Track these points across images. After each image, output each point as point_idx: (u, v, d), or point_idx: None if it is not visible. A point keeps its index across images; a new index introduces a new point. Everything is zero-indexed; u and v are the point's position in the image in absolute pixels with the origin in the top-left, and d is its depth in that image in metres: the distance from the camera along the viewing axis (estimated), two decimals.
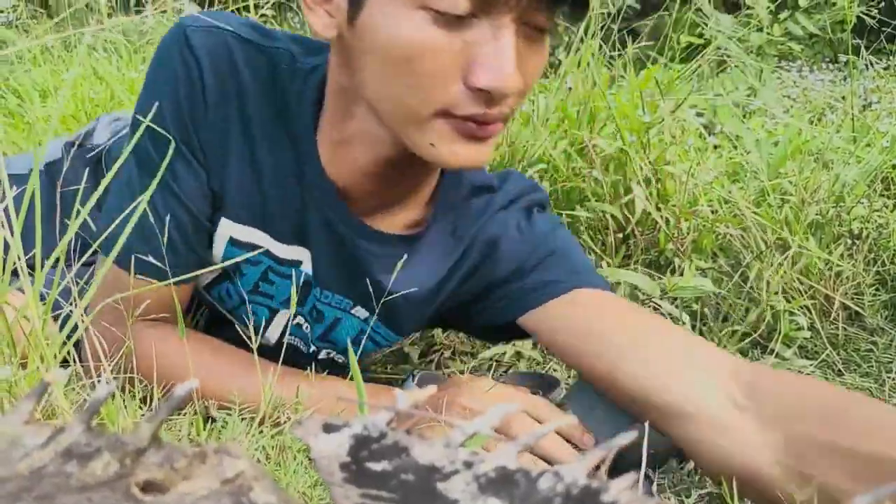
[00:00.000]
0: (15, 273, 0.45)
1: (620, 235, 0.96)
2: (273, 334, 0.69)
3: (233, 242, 0.63)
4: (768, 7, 1.47)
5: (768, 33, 1.67)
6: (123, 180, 0.60)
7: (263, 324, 0.68)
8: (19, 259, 0.44)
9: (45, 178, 0.82)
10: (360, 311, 0.67)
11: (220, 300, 0.68)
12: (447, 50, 0.48)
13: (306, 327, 0.69)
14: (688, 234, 0.95)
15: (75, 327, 0.47)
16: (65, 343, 0.47)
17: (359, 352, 0.59)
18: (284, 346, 0.63)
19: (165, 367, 0.57)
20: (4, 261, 0.46)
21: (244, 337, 0.58)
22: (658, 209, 0.95)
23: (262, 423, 0.53)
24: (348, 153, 0.59)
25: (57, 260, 0.45)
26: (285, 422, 0.56)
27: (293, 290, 0.60)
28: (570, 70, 1.08)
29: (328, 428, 0.18)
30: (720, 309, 0.89)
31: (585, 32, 1.13)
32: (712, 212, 1.01)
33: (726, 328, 0.83)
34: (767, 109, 1.74)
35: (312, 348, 0.70)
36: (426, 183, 0.64)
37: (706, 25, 1.50)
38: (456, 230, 0.66)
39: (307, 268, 0.65)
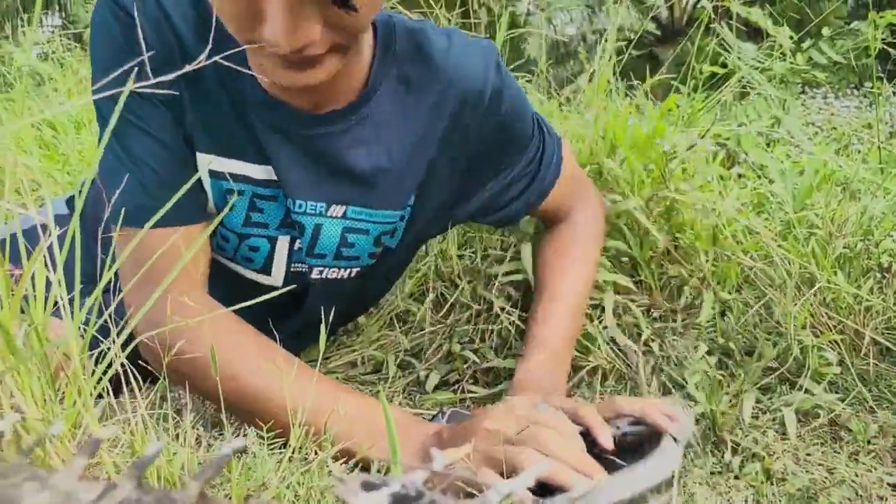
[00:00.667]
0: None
1: (633, 263, 0.96)
2: (279, 269, 0.71)
3: (213, 174, 0.66)
4: (791, 36, 1.47)
5: (791, 62, 1.67)
6: (109, 158, 0.63)
7: (265, 260, 0.71)
8: (61, 297, 0.46)
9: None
10: (337, 210, 0.68)
11: (220, 250, 0.71)
12: (239, 3, 0.51)
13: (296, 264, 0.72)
14: (708, 263, 0.95)
15: (111, 364, 0.49)
16: (100, 379, 0.48)
17: (359, 254, 0.68)
18: (288, 277, 0.69)
19: (222, 362, 0.59)
20: (46, 298, 0.47)
21: (254, 283, 0.67)
22: (677, 239, 0.95)
23: (291, 457, 0.54)
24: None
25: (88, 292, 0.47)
26: (314, 454, 0.56)
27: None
28: (591, 100, 1.09)
29: (367, 486, 0.18)
30: (746, 342, 0.88)
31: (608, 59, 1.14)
32: (737, 243, 1.00)
33: (752, 362, 0.82)
34: (792, 138, 1.73)
35: (315, 273, 0.72)
36: (351, 64, 0.64)
37: (728, 54, 1.50)
38: (409, 82, 0.67)
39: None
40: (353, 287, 0.77)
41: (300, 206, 0.67)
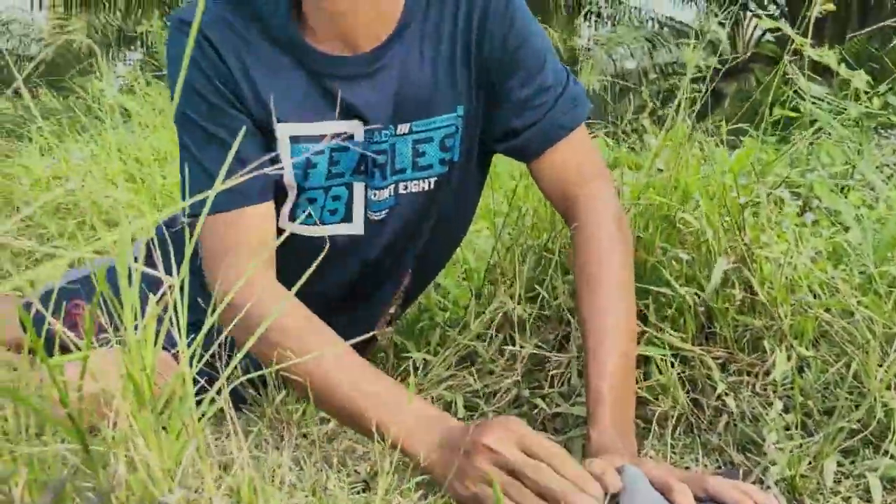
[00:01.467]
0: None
1: (702, 317, 0.94)
2: (358, 215, 0.83)
3: (294, 140, 0.79)
4: (869, 81, 1.44)
5: (867, 106, 1.63)
6: (190, 170, 0.76)
7: (345, 208, 0.83)
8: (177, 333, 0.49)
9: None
10: (403, 128, 0.81)
11: (306, 217, 0.83)
12: None
13: (377, 193, 0.83)
14: (785, 318, 0.93)
15: (212, 401, 0.52)
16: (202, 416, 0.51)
17: (431, 162, 0.82)
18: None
19: (285, 351, 0.66)
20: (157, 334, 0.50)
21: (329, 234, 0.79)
22: (751, 291, 0.93)
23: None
24: (313, 11, 0.78)
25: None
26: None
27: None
28: (661, 149, 1.10)
29: None
30: (825, 401, 0.85)
31: (676, 108, 1.14)
32: (814, 296, 0.98)
33: (833, 423, 0.80)
34: (867, 183, 1.68)
35: (390, 197, 0.83)
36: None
37: (797, 94, 1.47)
38: (430, 5, 0.80)
39: (360, 135, 0.80)
40: (432, 211, 0.87)
41: (375, 137, 0.80)
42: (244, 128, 0.67)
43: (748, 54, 9.47)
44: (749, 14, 9.20)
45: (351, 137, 0.80)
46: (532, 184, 1.00)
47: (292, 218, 0.84)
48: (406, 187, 0.84)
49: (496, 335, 1.03)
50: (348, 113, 0.80)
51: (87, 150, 2.18)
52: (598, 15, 10.75)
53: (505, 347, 1.01)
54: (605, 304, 0.79)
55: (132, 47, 10.88)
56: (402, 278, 0.95)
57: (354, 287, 0.93)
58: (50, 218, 1.81)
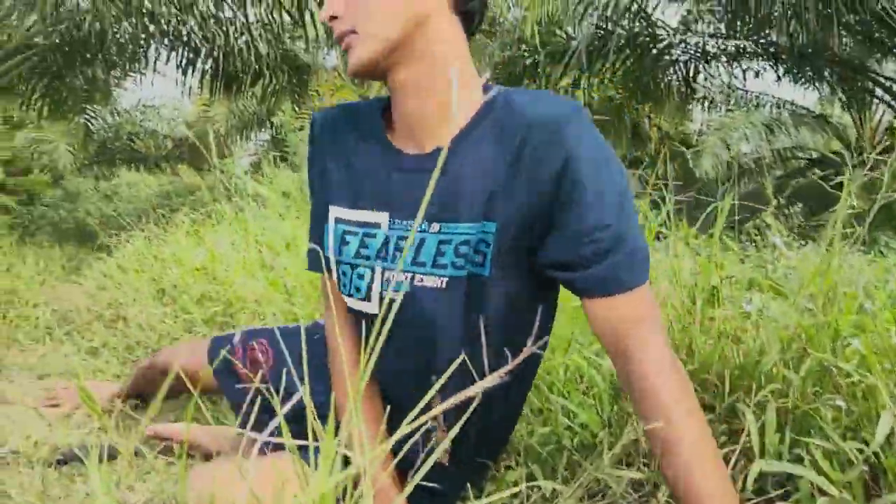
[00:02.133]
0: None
1: (867, 475, 0.87)
2: (375, 294, 0.91)
3: (337, 220, 0.93)
4: None
5: None
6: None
7: (367, 288, 0.91)
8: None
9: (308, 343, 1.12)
10: (434, 226, 0.86)
11: (342, 287, 0.94)
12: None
13: (392, 276, 0.90)
14: None
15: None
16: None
17: (447, 262, 0.84)
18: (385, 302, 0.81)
19: None
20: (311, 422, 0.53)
21: (357, 309, 0.92)
22: None
23: None
24: (394, 112, 0.89)
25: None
26: None
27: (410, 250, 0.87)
28: (812, 282, 1.04)
29: None
30: None
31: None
32: None
33: None
34: None
35: (405, 283, 0.88)
36: (441, 104, 0.85)
37: None
38: (501, 124, 0.83)
39: (384, 225, 0.89)
40: (451, 313, 0.88)
41: (408, 226, 0.88)
42: (320, 205, 0.95)
43: (877, 142, 8.96)
44: (875, 100, 8.71)
45: (377, 226, 0.90)
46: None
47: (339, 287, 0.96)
48: (421, 280, 0.88)
49: (628, 466, 1.00)
50: (386, 203, 0.89)
51: (226, 236, 2.36)
52: (712, 101, 10.58)
53: (636, 479, 0.97)
54: (689, 461, 0.75)
55: (263, 129, 11.86)
56: (432, 379, 0.90)
57: (395, 373, 0.94)
58: (195, 305, 1.96)
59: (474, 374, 0.86)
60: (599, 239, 0.81)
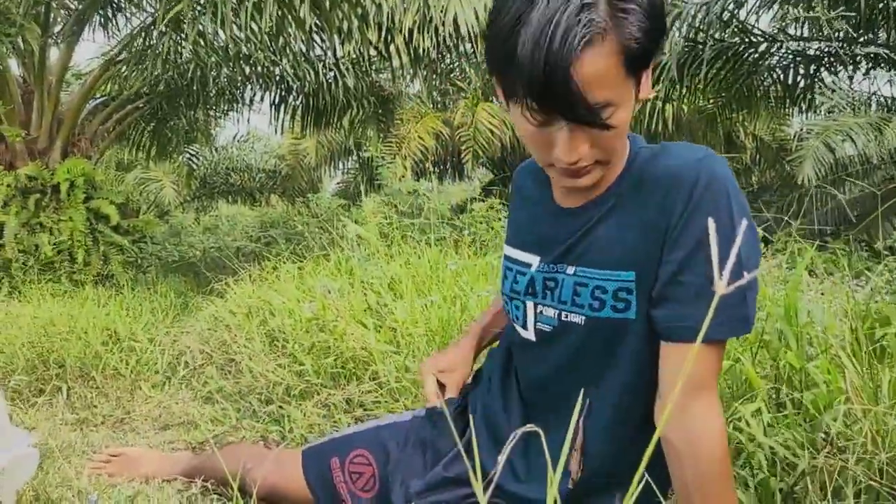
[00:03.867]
0: None
1: None
2: (530, 325, 1.00)
3: (505, 257, 1.05)
4: None
5: None
6: None
7: (523, 318, 1.01)
8: None
9: (427, 421, 1.18)
10: (570, 269, 0.94)
11: (508, 313, 1.06)
12: (538, 137, 0.83)
13: (544, 310, 0.98)
14: None
15: None
16: None
17: (584, 302, 0.92)
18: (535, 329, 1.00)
19: None
20: None
21: (517, 331, 1.03)
22: None
23: None
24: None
25: None
26: None
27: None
28: None
29: None
30: None
31: None
32: None
33: None
34: None
35: (553, 318, 0.97)
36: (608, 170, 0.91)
37: None
38: (640, 180, 0.89)
39: (535, 266, 0.99)
40: (592, 348, 0.94)
41: (548, 268, 0.97)
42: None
43: None
44: None
45: (529, 266, 1.00)
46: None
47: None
48: (567, 316, 0.95)
49: None
50: (538, 246, 1.00)
51: (334, 282, 2.39)
52: (810, 104, 10.00)
53: None
54: None
55: (350, 158, 12.19)
56: (573, 413, 0.91)
57: (541, 396, 1.05)
58: (306, 354, 1.97)
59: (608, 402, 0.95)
60: (689, 283, 0.83)
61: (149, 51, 4.94)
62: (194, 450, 1.81)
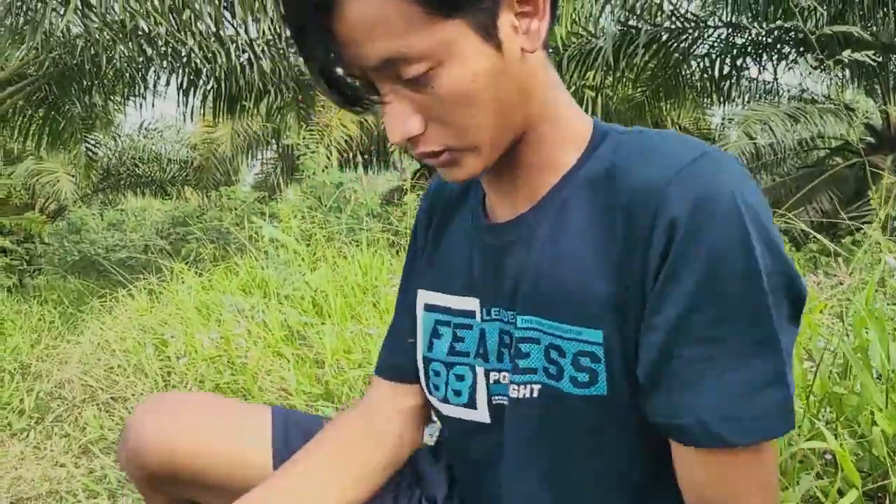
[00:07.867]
0: None
1: None
2: (482, 400, 0.70)
3: (427, 307, 0.74)
4: None
5: None
6: None
7: (470, 392, 0.71)
8: None
9: None
10: (523, 321, 0.65)
11: (434, 389, 0.74)
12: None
13: (503, 376, 0.69)
14: None
15: None
16: None
17: (535, 366, 0.62)
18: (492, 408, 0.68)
19: None
20: None
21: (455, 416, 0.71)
22: None
23: None
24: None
25: None
26: None
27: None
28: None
29: None
30: None
31: None
32: None
33: None
34: None
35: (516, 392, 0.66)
36: (533, 166, 0.65)
37: None
38: (607, 202, 0.61)
39: (478, 313, 0.70)
40: (555, 424, 0.65)
41: (499, 313, 0.69)
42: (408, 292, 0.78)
43: None
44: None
45: (471, 315, 0.71)
46: None
47: (428, 389, 0.76)
48: (516, 389, 0.69)
49: None
50: (469, 283, 0.71)
51: (245, 299, 1.97)
52: (728, 93, 10.25)
53: None
54: None
55: (269, 147, 11.56)
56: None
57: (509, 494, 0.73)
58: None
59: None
60: (688, 357, 0.55)
61: (27, 25, 4.30)
62: None
